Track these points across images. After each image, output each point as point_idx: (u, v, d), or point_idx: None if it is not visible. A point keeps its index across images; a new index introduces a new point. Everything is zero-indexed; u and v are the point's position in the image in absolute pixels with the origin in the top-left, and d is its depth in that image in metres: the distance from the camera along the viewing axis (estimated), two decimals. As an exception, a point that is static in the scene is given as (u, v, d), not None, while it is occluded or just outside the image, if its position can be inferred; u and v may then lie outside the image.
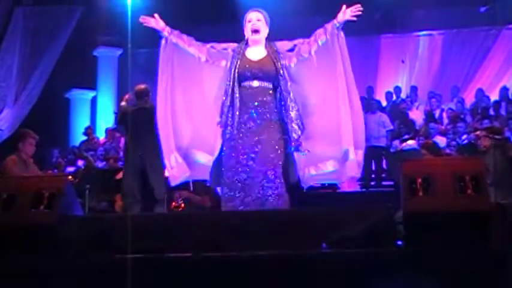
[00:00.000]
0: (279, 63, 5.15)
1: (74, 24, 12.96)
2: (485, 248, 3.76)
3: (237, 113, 5.06)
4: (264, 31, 5.29)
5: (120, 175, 7.87)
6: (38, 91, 12.71)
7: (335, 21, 5.13)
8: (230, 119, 5.07)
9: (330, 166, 5.20)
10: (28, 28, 12.57)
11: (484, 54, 13.50)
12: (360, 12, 5.09)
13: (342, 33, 5.15)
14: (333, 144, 5.16)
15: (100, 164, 10.80)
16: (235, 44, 5.30)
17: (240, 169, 5.03)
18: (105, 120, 13.88)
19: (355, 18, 5.10)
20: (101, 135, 13.05)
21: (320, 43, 5.18)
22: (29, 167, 6.78)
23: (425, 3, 13.42)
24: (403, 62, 13.97)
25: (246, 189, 5.00)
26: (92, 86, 14.67)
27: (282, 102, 5.12)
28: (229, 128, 5.08)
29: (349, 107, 5.10)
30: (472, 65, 13.53)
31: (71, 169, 10.89)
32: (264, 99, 5.13)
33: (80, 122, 14.13)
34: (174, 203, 7.73)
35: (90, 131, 12.81)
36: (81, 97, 14.77)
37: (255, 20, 5.26)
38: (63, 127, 14.15)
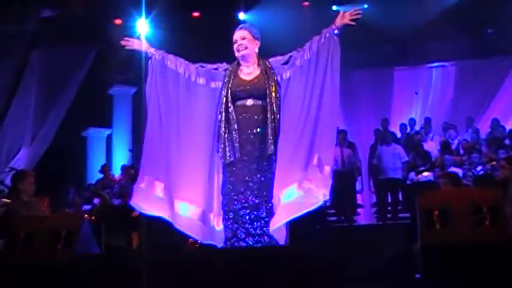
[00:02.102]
0: (272, 81, 4.85)
1: (89, 64, 13.15)
2: (504, 281, 3.71)
3: (236, 136, 4.78)
4: (252, 47, 4.99)
5: (136, 213, 7.87)
6: (54, 130, 12.82)
7: (333, 25, 4.79)
8: (229, 143, 4.78)
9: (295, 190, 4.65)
10: (44, 69, 12.72)
11: (497, 85, 13.50)
12: (359, 16, 4.72)
13: (336, 40, 4.78)
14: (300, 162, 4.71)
15: (116, 202, 10.82)
16: (225, 64, 5.05)
17: (235, 197, 4.75)
18: (121, 157, 13.97)
19: (354, 23, 4.72)
20: (116, 173, 13.10)
21: (314, 48, 4.83)
22: (32, 207, 6.34)
23: (437, 35, 13.48)
24: (416, 93, 14.00)
25: (239, 221, 4.71)
26: (107, 124, 14.82)
27: (270, 121, 4.79)
28: (228, 152, 4.78)
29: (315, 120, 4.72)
30: (486, 96, 13.51)
31: (87, 207, 10.92)
32: (260, 118, 4.84)
33: (96, 160, 14.22)
34: (190, 240, 7.70)
35: (106, 168, 12.86)
36: (97, 135, 14.89)
37: (240, 40, 4.98)
38: (80, 165, 14.22)
